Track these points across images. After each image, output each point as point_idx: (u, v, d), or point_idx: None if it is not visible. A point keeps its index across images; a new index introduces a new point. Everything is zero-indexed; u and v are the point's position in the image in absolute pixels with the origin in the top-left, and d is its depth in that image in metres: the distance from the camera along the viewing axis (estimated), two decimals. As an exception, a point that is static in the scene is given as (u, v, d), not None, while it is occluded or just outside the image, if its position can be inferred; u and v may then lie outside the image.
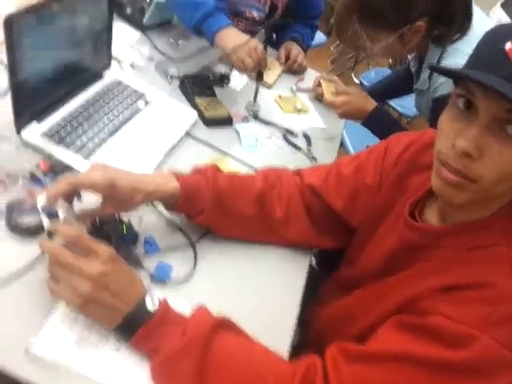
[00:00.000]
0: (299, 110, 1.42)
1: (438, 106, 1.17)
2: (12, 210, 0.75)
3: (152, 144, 1.02)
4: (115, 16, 1.33)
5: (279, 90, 1.48)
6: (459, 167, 0.58)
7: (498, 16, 3.30)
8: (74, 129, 0.94)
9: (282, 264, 0.91)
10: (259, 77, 1.26)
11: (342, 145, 1.84)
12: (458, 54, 1.12)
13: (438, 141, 0.62)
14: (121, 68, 1.20)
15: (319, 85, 1.50)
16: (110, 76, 1.13)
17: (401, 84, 1.61)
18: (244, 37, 1.21)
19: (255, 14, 1.61)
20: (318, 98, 1.50)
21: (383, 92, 1.65)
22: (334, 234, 0.93)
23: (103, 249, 0.62)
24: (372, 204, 0.85)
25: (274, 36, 1.62)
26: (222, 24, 1.23)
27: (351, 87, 1.38)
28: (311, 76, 1.59)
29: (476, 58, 0.59)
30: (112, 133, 0.99)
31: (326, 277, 1.00)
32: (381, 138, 1.23)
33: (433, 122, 1.24)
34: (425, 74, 1.23)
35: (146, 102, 1.13)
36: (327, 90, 1.37)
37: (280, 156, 1.23)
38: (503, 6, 3.33)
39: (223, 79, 1.23)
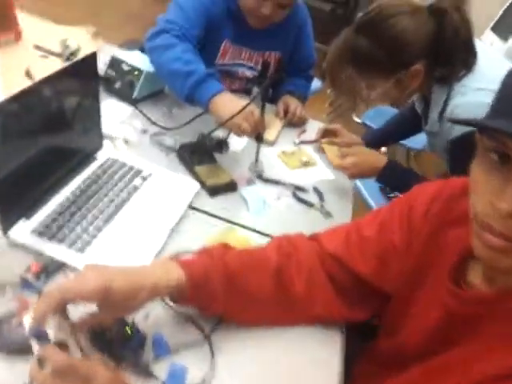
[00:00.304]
0: (306, 163, 1.34)
1: (455, 149, 1.10)
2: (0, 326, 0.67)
3: (153, 225, 0.94)
4: (105, 92, 1.30)
5: (282, 145, 1.41)
6: (503, 230, 0.49)
7: (490, 40, 3.30)
8: (67, 221, 0.87)
9: (311, 343, 0.81)
10: (259, 139, 1.20)
11: (357, 193, 1.76)
12: (468, 92, 1.06)
13: (473, 198, 0.53)
14: (114, 146, 1.14)
15: (323, 135, 1.44)
16: (102, 156, 1.07)
17: (407, 125, 1.53)
18: (239, 101, 1.16)
19: (248, 73, 1.58)
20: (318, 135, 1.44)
21: (390, 135, 1.59)
22: (364, 303, 0.83)
23: (102, 374, 0.53)
24: (405, 266, 0.75)
25: (271, 91, 1.57)
26: (215, 90, 1.17)
27: (355, 147, 1.31)
28: (313, 127, 1.53)
29: (503, 104, 0.51)
30: (108, 219, 0.91)
31: (355, 346, 0.89)
32: (400, 192, 1.15)
33: (454, 167, 1.16)
34: (433, 114, 1.16)
35: (144, 179, 1.06)
36: (331, 154, 1.31)
37: (292, 216, 1.14)
38: (493, 29, 3.33)
39: (222, 145, 1.16)
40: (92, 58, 0.94)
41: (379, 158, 1.22)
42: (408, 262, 0.75)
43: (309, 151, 1.42)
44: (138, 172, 1.07)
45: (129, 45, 1.67)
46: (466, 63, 1.07)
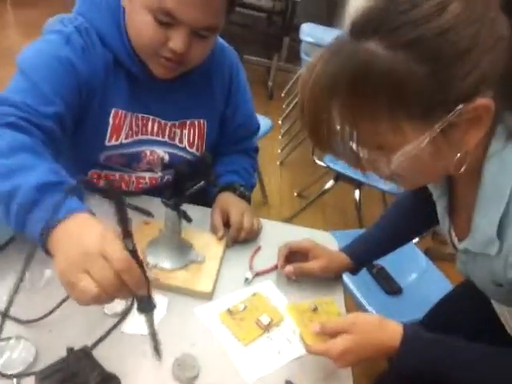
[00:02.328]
0: (268, 327, 0.81)
1: None
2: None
3: None
4: None
5: (225, 291, 0.88)
6: None
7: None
8: None
9: None
10: (142, 309, 0.62)
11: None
12: None
13: None
14: None
15: (286, 259, 0.93)
16: None
17: (413, 226, 0.99)
18: (98, 227, 0.61)
19: (160, 152, 1.05)
20: (291, 277, 0.92)
21: (385, 245, 1.01)
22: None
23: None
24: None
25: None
26: (54, 217, 0.60)
27: (351, 315, 0.74)
28: (270, 233, 1.02)
29: None
30: None
31: None
32: None
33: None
34: (484, 220, 0.63)
35: None
36: (300, 322, 0.78)
37: None
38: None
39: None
40: None
41: (388, 330, 0.71)
42: None
43: (270, 294, 0.89)
44: None
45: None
46: None
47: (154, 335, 0.66)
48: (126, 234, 0.58)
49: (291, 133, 3.12)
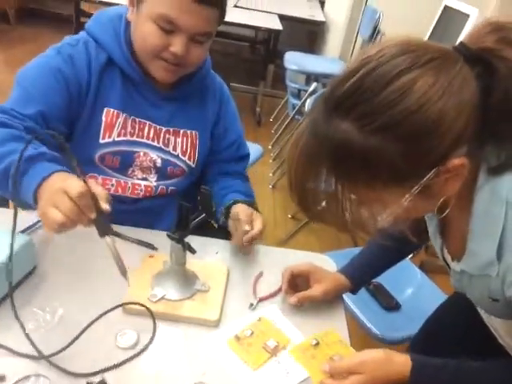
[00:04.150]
0: (274, 350, 0.84)
1: None
2: None
3: None
4: None
5: (231, 317, 0.92)
6: None
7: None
8: None
9: None
10: (99, 231, 0.76)
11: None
12: None
13: None
14: None
15: (289, 285, 0.97)
16: None
17: (400, 246, 1.00)
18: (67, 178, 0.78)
19: (153, 156, 1.13)
20: (297, 303, 0.96)
21: (375, 267, 1.05)
22: None
23: None
24: None
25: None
26: (40, 176, 0.81)
27: (358, 355, 0.79)
28: (271, 259, 1.06)
29: None
30: None
31: None
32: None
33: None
34: (480, 246, 0.68)
35: None
36: (305, 363, 0.83)
37: None
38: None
39: None
40: None
41: (396, 363, 0.75)
42: None
43: (275, 318, 0.93)
44: None
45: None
46: None
47: (117, 257, 0.75)
48: (79, 174, 0.75)
49: (282, 156, 3.18)
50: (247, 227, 1.01)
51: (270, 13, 3.86)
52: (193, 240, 0.90)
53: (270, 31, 3.64)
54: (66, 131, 1.03)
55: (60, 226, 0.73)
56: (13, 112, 0.95)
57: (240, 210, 1.06)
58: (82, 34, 1.08)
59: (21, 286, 0.89)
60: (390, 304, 1.48)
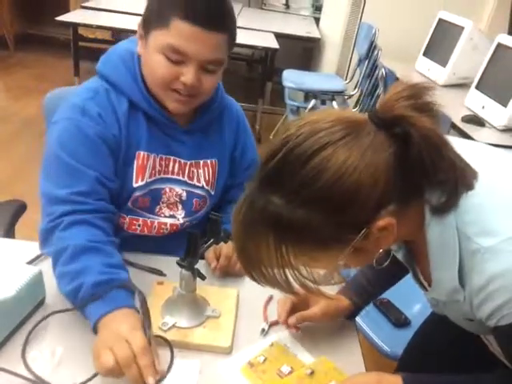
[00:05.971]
0: (288, 375, 0.83)
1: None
2: None
3: None
4: None
5: (243, 343, 0.91)
6: None
7: (424, 64, 3.04)
8: None
9: None
10: None
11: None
12: (483, 212, 0.64)
13: None
14: None
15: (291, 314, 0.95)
16: None
17: (389, 275, 1.01)
18: (129, 321, 0.81)
19: (178, 190, 1.12)
20: (293, 330, 0.93)
21: (374, 287, 1.03)
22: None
23: None
24: None
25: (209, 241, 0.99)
26: (99, 313, 0.81)
27: (349, 378, 0.79)
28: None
29: None
30: None
31: None
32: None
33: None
34: (443, 274, 0.70)
35: None
36: None
37: None
38: (425, 54, 3.08)
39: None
40: None
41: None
42: None
43: (288, 343, 0.92)
44: None
45: None
46: (464, 181, 0.63)
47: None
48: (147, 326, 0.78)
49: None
50: (213, 264, 1.05)
51: (266, 31, 3.91)
52: (201, 264, 0.90)
53: (266, 50, 3.67)
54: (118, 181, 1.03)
55: (108, 371, 0.74)
56: (72, 197, 0.93)
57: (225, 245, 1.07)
58: (96, 80, 1.05)
59: (31, 318, 0.88)
60: (399, 320, 1.47)
